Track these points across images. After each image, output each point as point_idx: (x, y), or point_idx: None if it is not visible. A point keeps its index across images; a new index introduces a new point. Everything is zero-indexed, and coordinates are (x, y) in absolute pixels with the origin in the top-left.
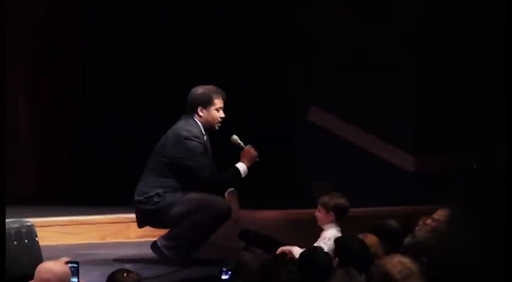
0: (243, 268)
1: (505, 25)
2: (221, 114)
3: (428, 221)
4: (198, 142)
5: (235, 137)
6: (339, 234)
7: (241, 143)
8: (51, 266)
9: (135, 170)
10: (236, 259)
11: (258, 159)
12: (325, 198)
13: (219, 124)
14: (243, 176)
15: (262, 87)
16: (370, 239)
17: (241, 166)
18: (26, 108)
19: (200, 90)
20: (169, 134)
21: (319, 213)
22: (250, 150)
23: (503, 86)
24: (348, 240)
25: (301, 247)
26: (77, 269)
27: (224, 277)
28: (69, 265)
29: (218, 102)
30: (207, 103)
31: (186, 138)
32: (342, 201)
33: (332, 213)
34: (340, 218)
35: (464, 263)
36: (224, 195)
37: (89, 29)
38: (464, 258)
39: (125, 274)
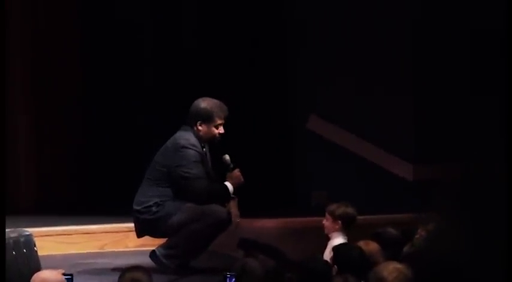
0: (248, 274)
1: (505, 36)
2: (220, 130)
3: (423, 233)
4: (195, 150)
5: (227, 157)
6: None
7: (232, 164)
8: (47, 275)
9: (133, 179)
10: (241, 265)
11: (242, 182)
12: (332, 207)
13: (219, 139)
14: (231, 194)
15: (261, 95)
16: (372, 246)
17: (229, 185)
18: (26, 119)
19: (203, 104)
20: (168, 143)
21: (327, 222)
22: (238, 173)
23: (504, 95)
24: (347, 248)
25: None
26: (71, 280)
27: None
28: (64, 277)
29: (218, 120)
30: (207, 120)
31: (183, 147)
32: (349, 210)
33: (339, 221)
34: (347, 226)
35: (456, 266)
36: (224, 204)
37: (90, 32)
38: (456, 260)
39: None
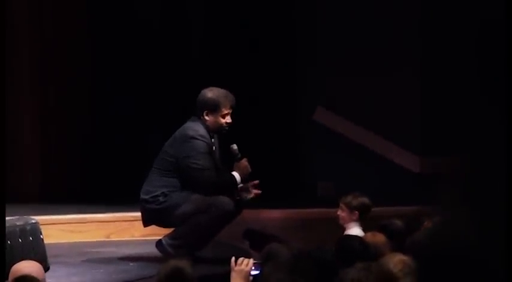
0: (274, 259)
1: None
2: (227, 120)
3: (430, 225)
4: (203, 141)
5: (234, 146)
6: (362, 233)
7: (239, 154)
8: (24, 265)
9: (140, 169)
10: (266, 251)
11: (250, 172)
12: (348, 198)
13: (226, 128)
14: (238, 184)
15: (268, 87)
16: (378, 238)
17: (236, 175)
18: (32, 106)
19: (209, 94)
20: (177, 133)
21: (343, 213)
22: (245, 162)
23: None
24: (348, 239)
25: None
26: None
27: (253, 272)
28: None
29: (225, 110)
30: (213, 109)
31: (192, 137)
32: (365, 199)
33: (356, 212)
34: (363, 217)
35: (458, 257)
36: (231, 194)
37: (97, 27)
38: (458, 252)
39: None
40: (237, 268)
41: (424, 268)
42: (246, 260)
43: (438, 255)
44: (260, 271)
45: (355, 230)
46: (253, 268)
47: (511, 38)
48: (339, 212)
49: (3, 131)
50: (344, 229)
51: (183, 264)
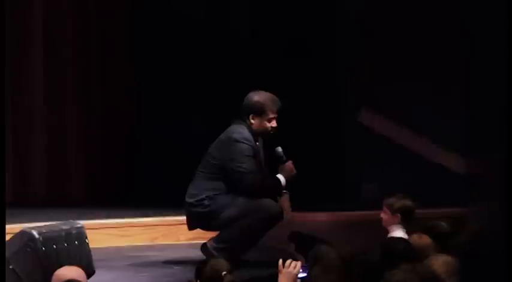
0: (322, 260)
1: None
2: (273, 124)
3: (474, 227)
4: (248, 144)
5: (279, 149)
6: (405, 236)
7: (284, 156)
8: (67, 271)
9: (186, 172)
10: (313, 253)
11: (295, 174)
12: (391, 200)
13: (271, 132)
14: (283, 187)
15: (312, 88)
16: (424, 240)
17: (281, 178)
18: (77, 111)
19: (256, 98)
20: (222, 136)
21: (385, 215)
22: (290, 165)
23: None
24: (393, 242)
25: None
26: None
27: (301, 275)
28: None
29: (271, 114)
30: (259, 113)
31: (236, 140)
32: (408, 202)
33: (398, 215)
34: (406, 219)
35: (502, 257)
36: (276, 198)
37: (142, 30)
38: (501, 252)
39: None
40: (284, 270)
41: (469, 269)
42: (293, 263)
43: (482, 256)
44: (308, 274)
45: (398, 233)
46: (300, 270)
47: None
48: (382, 215)
49: (3, 131)
50: (388, 231)
51: (222, 263)
